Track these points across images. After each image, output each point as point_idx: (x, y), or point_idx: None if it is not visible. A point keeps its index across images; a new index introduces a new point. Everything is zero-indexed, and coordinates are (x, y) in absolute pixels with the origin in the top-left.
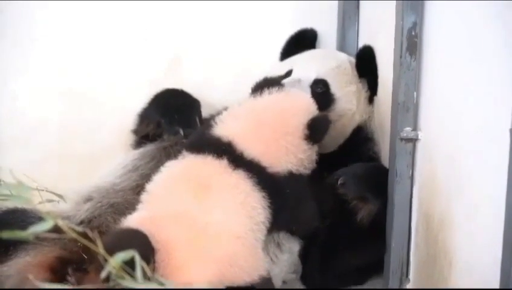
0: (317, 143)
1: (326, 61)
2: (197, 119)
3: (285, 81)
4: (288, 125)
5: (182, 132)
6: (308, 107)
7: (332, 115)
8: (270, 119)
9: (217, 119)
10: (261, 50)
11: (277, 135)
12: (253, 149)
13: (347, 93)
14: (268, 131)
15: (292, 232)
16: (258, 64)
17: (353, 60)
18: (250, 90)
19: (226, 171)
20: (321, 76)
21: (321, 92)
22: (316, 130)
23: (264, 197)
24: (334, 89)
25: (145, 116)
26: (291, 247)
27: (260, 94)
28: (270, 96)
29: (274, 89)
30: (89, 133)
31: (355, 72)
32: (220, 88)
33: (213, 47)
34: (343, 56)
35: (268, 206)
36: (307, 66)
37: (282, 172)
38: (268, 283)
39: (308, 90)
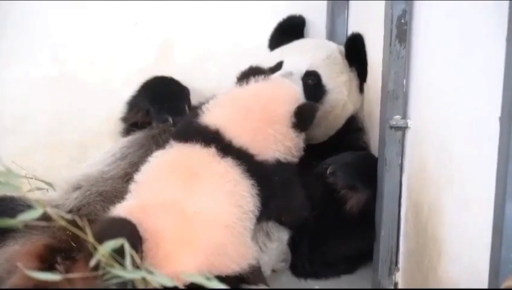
0: (305, 131)
1: (316, 52)
2: (186, 107)
3: (277, 74)
4: (275, 114)
5: (170, 120)
6: (295, 95)
7: (325, 106)
8: (257, 107)
9: (204, 108)
10: (250, 38)
11: (264, 123)
12: (242, 137)
13: (338, 84)
14: (256, 119)
15: (281, 222)
16: (247, 51)
17: (343, 49)
18: (235, 79)
19: (214, 160)
20: (312, 68)
21: (313, 84)
22: (303, 118)
23: (253, 185)
24: (326, 80)
25: (134, 104)
26: (281, 236)
27: (246, 83)
28: (256, 85)
29: (260, 78)
30: (78, 120)
31: (345, 61)
32: (210, 75)
33: (203, 35)
34: (332, 45)
35: (257, 194)
36: (297, 58)
37: (270, 160)
38: (258, 271)
39: (300, 83)
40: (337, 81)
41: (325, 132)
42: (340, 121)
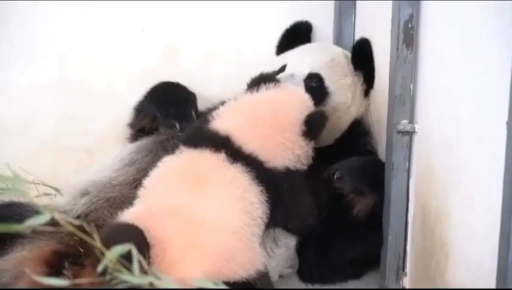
0: (314, 139)
1: (320, 55)
2: (193, 113)
3: (278, 76)
4: (286, 122)
5: (177, 125)
6: (305, 103)
7: (327, 108)
8: (268, 115)
9: (214, 113)
10: (255, 41)
11: (274, 131)
12: (251, 144)
13: (341, 87)
14: (266, 127)
15: (288, 230)
16: (252, 54)
17: (348, 53)
18: (246, 86)
19: (223, 165)
20: (315, 70)
21: (315, 86)
22: (313, 126)
23: (261, 191)
24: (328, 82)
25: (140, 109)
26: (288, 242)
27: (257, 90)
28: (267, 92)
29: (270, 85)
30: (83, 125)
31: (350, 66)
32: (215, 78)
33: (208, 38)
34: (337, 49)
35: (266, 201)
36: (300, 61)
37: (279, 167)
38: (265, 277)
39: (302, 85)
40: (341, 83)
41: (329, 135)
42: (344, 124)
